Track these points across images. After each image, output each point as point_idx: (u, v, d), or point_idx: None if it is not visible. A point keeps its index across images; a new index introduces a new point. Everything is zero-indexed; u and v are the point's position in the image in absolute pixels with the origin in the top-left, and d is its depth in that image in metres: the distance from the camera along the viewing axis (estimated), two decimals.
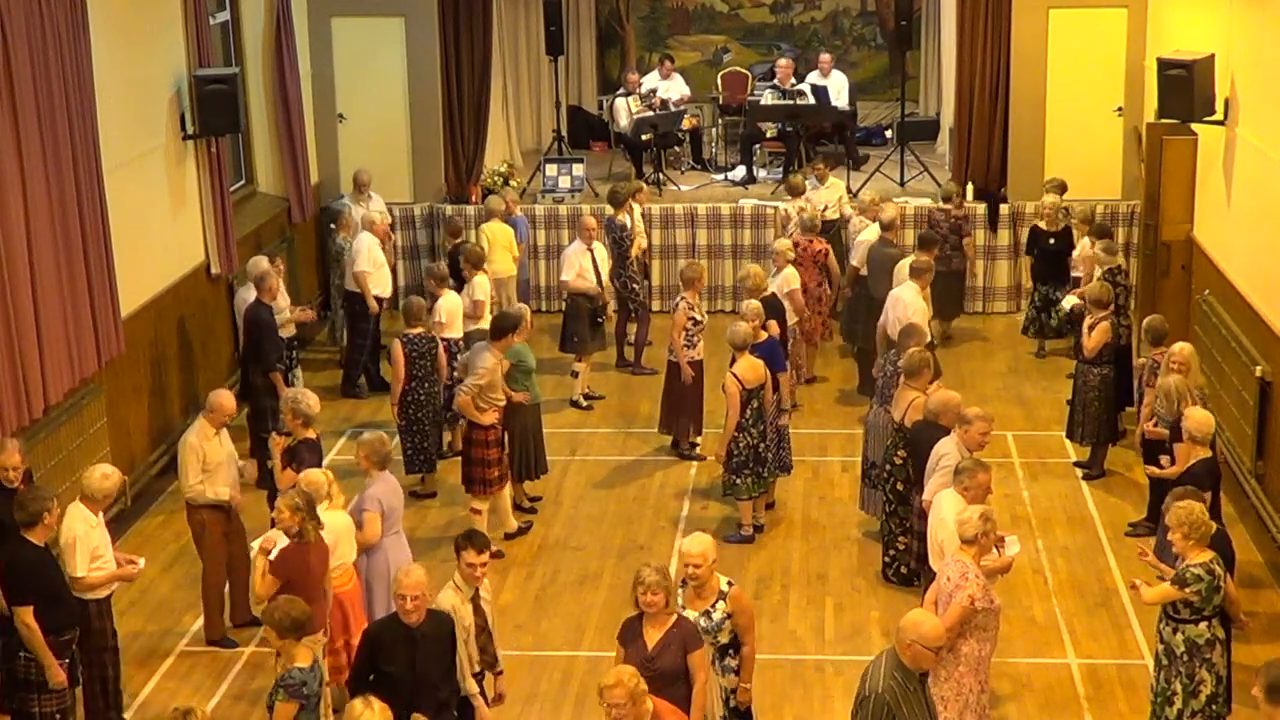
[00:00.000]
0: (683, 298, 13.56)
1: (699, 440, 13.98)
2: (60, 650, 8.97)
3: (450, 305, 13.74)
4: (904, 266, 13.89)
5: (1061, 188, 16.34)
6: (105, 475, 9.44)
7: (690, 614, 8.43)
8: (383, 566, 9.99)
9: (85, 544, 9.28)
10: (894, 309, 13.44)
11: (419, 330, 13.06)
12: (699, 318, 13.57)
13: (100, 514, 9.49)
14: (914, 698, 7.33)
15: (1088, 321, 13.03)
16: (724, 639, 8.51)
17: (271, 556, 9.16)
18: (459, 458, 13.58)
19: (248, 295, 13.84)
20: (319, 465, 10.43)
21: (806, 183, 17.10)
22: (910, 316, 13.11)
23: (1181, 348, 11.49)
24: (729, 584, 8.52)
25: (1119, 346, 13.31)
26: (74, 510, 9.36)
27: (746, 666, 8.58)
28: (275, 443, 10.78)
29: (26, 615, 8.79)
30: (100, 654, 9.55)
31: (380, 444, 10.22)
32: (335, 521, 9.63)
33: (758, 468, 12.14)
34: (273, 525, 9.43)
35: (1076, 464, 13.60)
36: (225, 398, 10.76)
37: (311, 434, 10.69)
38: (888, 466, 11.43)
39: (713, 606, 8.46)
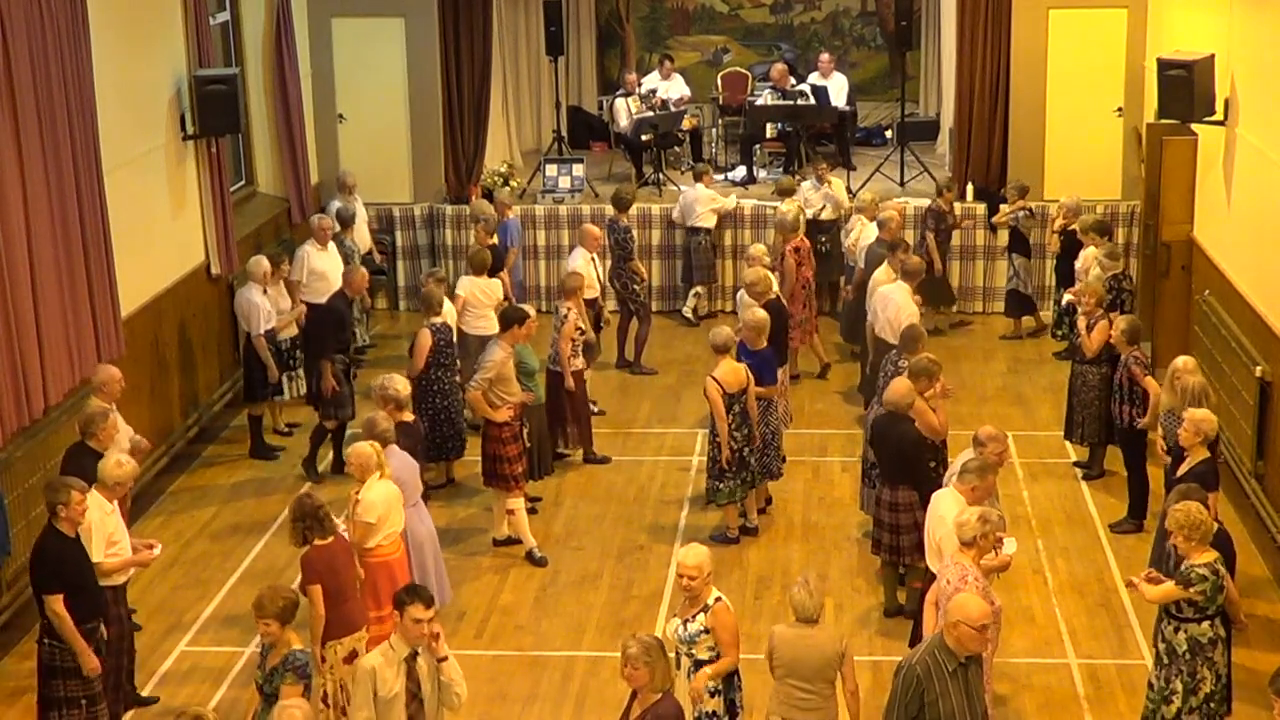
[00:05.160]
0: (568, 308, 13.44)
1: (569, 451, 13.93)
2: (85, 639, 9.07)
3: (453, 310, 13.76)
4: (883, 267, 14.03)
5: (1022, 191, 16.55)
6: (119, 463, 9.64)
7: (674, 622, 8.37)
8: (407, 542, 10.25)
9: (101, 530, 9.42)
10: (884, 309, 13.48)
11: (442, 319, 13.11)
12: (583, 327, 13.61)
13: (115, 502, 9.63)
14: (952, 680, 7.28)
15: (1084, 321, 13.04)
16: (700, 654, 8.32)
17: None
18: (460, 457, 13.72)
19: (249, 294, 13.86)
20: (413, 448, 10.69)
21: (807, 183, 17.18)
22: (901, 317, 13.15)
23: (1185, 362, 11.23)
24: (717, 599, 8.34)
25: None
26: (90, 498, 9.46)
27: (719, 666, 8.31)
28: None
29: (56, 604, 8.93)
30: (116, 640, 9.64)
31: (377, 424, 10.46)
32: (385, 491, 9.85)
33: (741, 473, 12.12)
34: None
35: (1076, 464, 13.60)
36: (111, 370, 10.94)
37: (407, 416, 10.88)
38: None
39: (692, 617, 8.31)
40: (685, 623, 8.34)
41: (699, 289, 17.62)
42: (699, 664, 8.36)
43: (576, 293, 13.67)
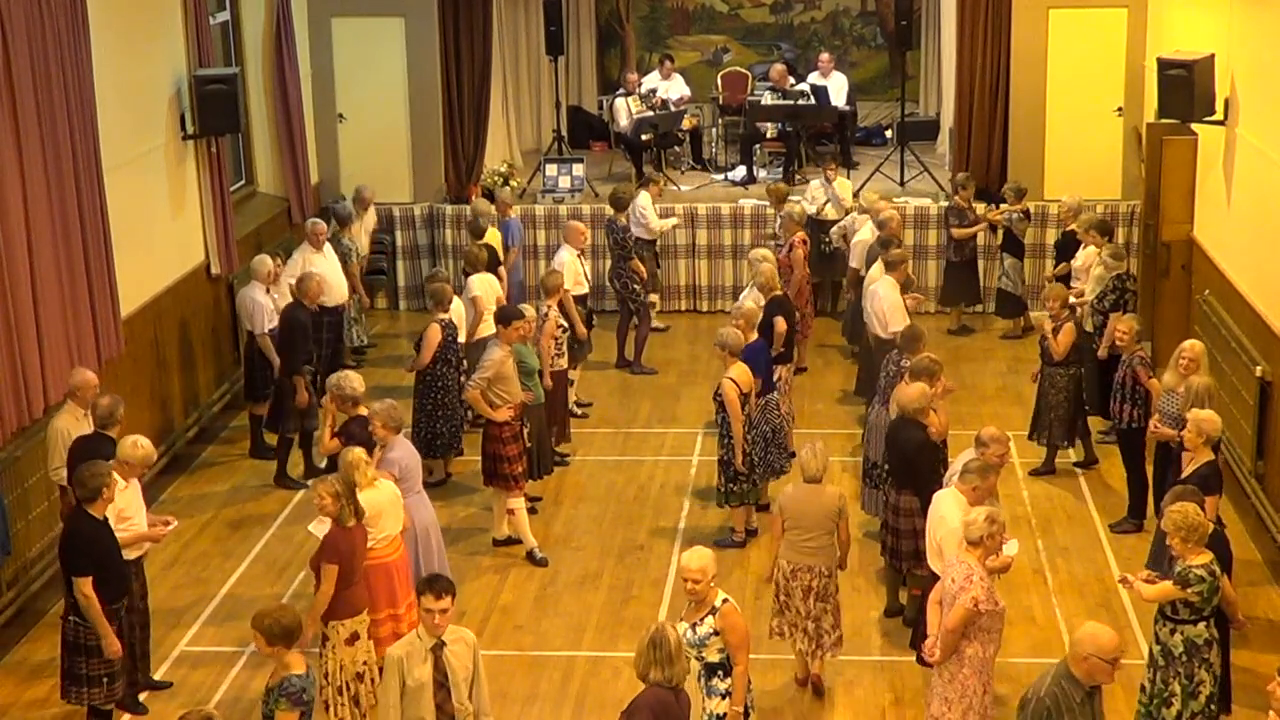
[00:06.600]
0: (549, 306, 13.45)
1: (567, 450, 13.97)
2: (110, 618, 9.26)
3: (457, 308, 13.76)
4: (876, 264, 14.06)
5: (1020, 193, 16.58)
6: (136, 444, 9.84)
7: (682, 626, 8.28)
8: (409, 528, 10.34)
9: (112, 506, 9.52)
10: (871, 303, 13.54)
11: (448, 316, 13.19)
12: (565, 324, 13.60)
13: (131, 480, 9.80)
14: (1080, 709, 7.22)
15: (1050, 325, 13.06)
16: (711, 657, 8.29)
17: (310, 527, 9.52)
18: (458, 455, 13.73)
19: (252, 293, 13.87)
20: (369, 441, 10.62)
21: (815, 182, 17.23)
22: (885, 308, 13.19)
23: (1192, 345, 11.38)
24: (724, 600, 8.30)
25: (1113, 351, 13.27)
26: None
27: (738, 687, 8.31)
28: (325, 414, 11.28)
29: (86, 586, 9.11)
30: (129, 614, 9.73)
31: (394, 410, 10.58)
32: (374, 497, 9.85)
33: (753, 474, 12.12)
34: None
35: (1076, 464, 13.60)
36: (87, 374, 10.96)
37: (362, 411, 10.95)
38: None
39: (701, 620, 8.26)
40: (694, 626, 8.27)
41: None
42: (709, 667, 8.31)
43: (558, 290, 13.66)
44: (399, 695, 7.91)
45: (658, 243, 17.08)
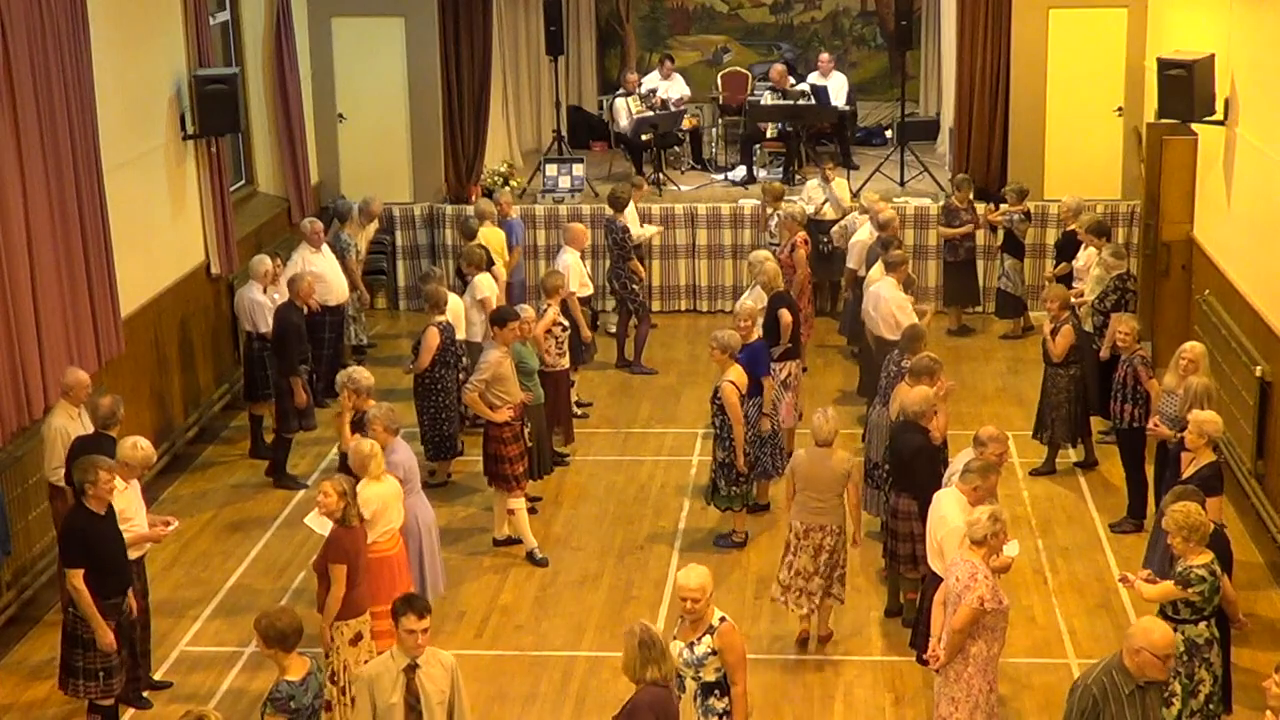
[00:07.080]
0: (550, 305, 13.47)
1: (569, 450, 13.97)
2: (107, 613, 9.33)
3: (455, 307, 13.74)
4: (877, 265, 14.04)
5: (1021, 194, 16.58)
6: (135, 445, 9.93)
7: (677, 645, 8.12)
8: (412, 525, 10.44)
9: (112, 506, 9.56)
10: (874, 306, 13.52)
11: (446, 318, 13.19)
12: (566, 325, 13.60)
13: (131, 481, 9.87)
14: (1129, 701, 7.20)
15: (1049, 326, 13.06)
16: (708, 676, 8.09)
17: (307, 519, 9.57)
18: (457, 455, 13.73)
19: (251, 293, 13.87)
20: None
21: (813, 182, 17.23)
22: (893, 309, 13.22)
23: (1193, 346, 11.40)
24: (721, 619, 8.10)
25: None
26: None
27: (737, 708, 8.12)
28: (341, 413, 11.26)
29: (76, 578, 9.20)
30: (127, 614, 9.73)
31: (392, 413, 10.62)
32: (381, 489, 9.94)
33: (751, 473, 12.12)
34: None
35: (1077, 464, 13.60)
36: (80, 374, 10.99)
37: (369, 405, 11.01)
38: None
39: (698, 640, 8.06)
40: (690, 646, 8.09)
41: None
42: (706, 686, 8.12)
43: (558, 291, 13.64)
44: (370, 717, 7.80)
45: (644, 246, 17.01)
